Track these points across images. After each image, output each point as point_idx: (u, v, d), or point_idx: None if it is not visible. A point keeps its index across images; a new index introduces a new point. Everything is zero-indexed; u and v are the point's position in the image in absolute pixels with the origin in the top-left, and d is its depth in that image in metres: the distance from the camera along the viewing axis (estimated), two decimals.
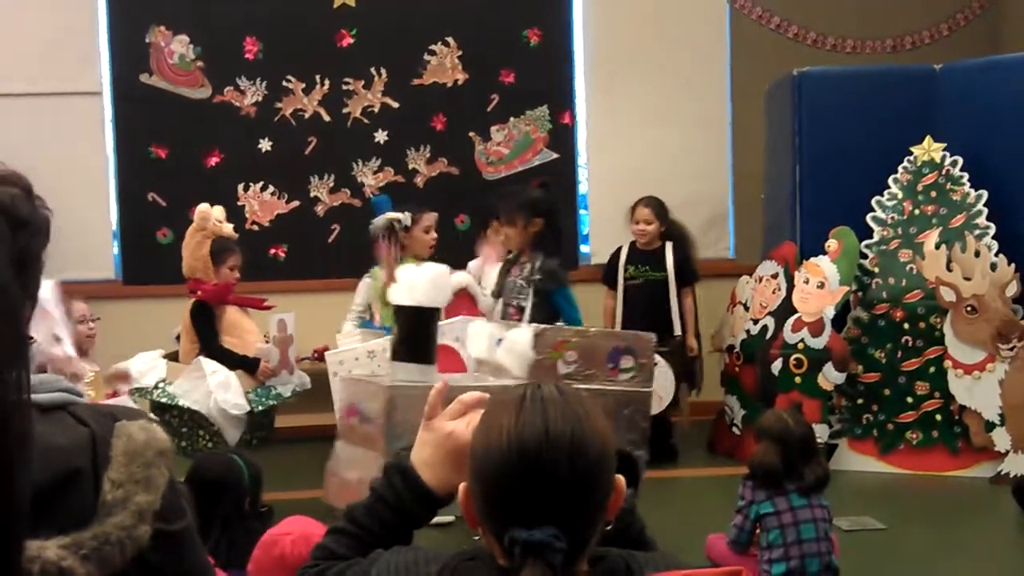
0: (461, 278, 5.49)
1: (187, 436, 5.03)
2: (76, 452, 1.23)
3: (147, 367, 5.11)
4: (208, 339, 5.15)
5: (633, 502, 1.63)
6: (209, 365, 5.02)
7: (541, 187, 5.39)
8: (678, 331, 6.45)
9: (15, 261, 1.17)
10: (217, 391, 4.93)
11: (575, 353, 4.54)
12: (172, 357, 5.25)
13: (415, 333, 3.90)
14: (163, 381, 5.06)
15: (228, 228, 5.34)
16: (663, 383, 6.11)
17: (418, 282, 3.89)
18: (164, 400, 4.97)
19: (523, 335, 4.48)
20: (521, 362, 4.28)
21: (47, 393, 1.30)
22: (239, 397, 4.99)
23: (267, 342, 5.29)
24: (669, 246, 6.51)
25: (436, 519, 1.61)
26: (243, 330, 5.27)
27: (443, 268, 4.03)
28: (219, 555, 3.49)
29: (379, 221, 5.68)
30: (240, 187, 7.32)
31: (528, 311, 5.10)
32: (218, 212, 5.37)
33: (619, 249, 6.67)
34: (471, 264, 6.50)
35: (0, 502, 0.87)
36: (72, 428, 1.25)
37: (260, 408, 5.12)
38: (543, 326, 4.64)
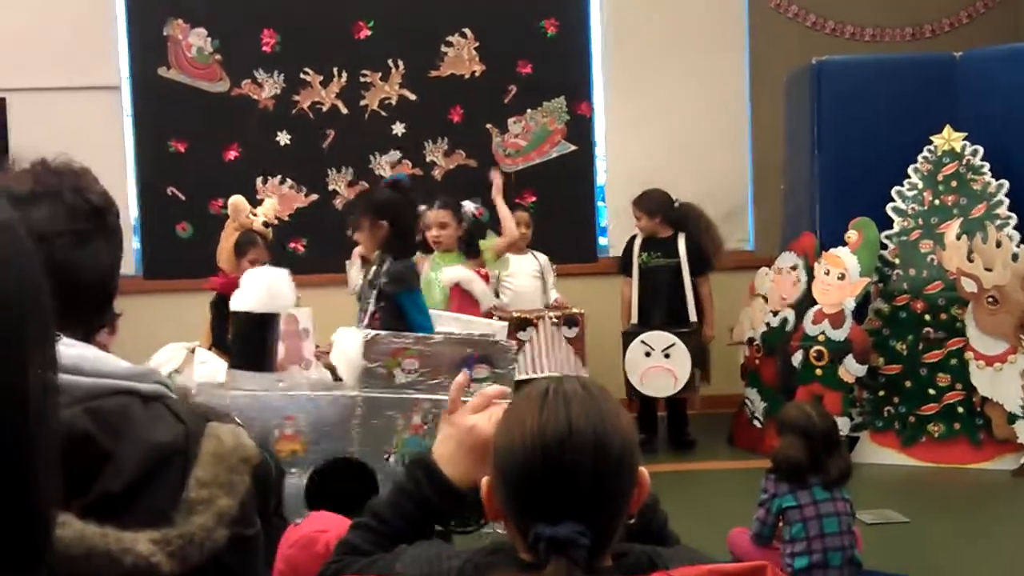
0: (455, 274, 5.46)
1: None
2: (171, 448, 1.26)
3: (166, 358, 5.12)
4: (218, 330, 5.15)
5: (656, 496, 1.63)
6: (201, 355, 5.01)
7: (392, 186, 5.13)
8: (693, 317, 6.50)
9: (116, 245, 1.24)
10: (199, 379, 4.91)
11: (416, 361, 4.34)
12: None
13: (249, 340, 3.83)
14: (176, 371, 5.07)
15: (259, 223, 5.35)
16: (680, 365, 6.28)
17: (253, 287, 3.80)
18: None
19: (353, 341, 4.38)
20: (350, 370, 4.19)
21: (149, 384, 1.33)
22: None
23: None
24: (681, 236, 6.54)
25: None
26: None
27: (282, 272, 3.94)
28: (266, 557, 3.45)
29: (469, 206, 5.72)
30: (259, 180, 7.33)
31: (367, 316, 4.90)
32: (267, 206, 5.37)
33: (634, 237, 6.74)
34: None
35: (17, 482, 0.89)
36: (170, 423, 1.30)
37: None
38: (376, 332, 4.45)
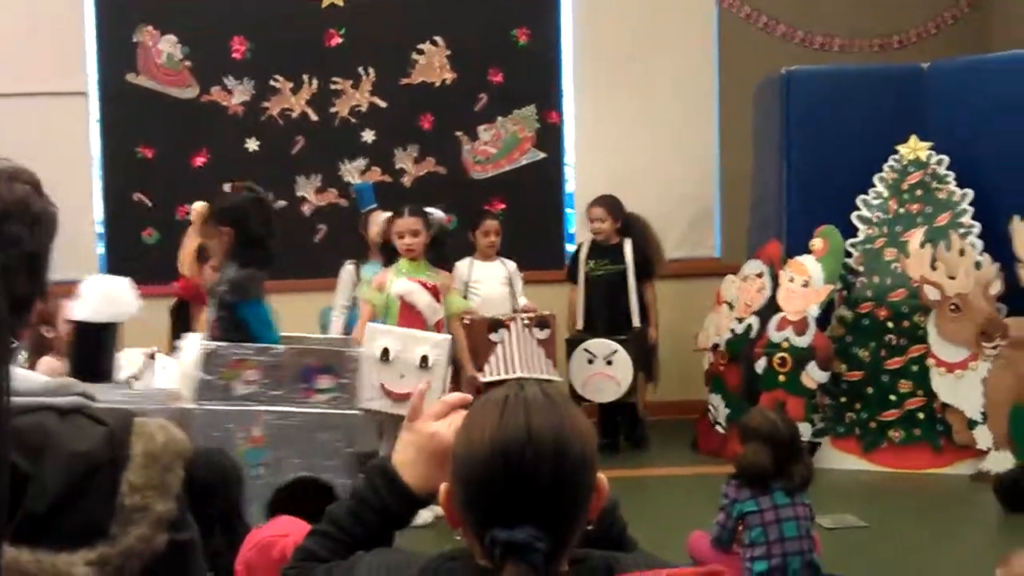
0: (398, 287, 5.43)
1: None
2: (94, 453, 1.23)
3: (124, 364, 5.09)
4: (173, 335, 5.12)
5: (616, 502, 1.64)
6: (161, 360, 4.99)
7: (242, 191, 4.99)
8: (637, 322, 6.68)
9: (28, 256, 1.18)
10: (160, 385, 4.89)
11: (257, 372, 4.31)
12: None
13: (86, 349, 3.73)
14: (132, 377, 5.04)
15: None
16: (622, 370, 6.43)
17: (90, 296, 3.71)
18: None
19: (190, 353, 4.34)
20: (186, 382, 4.12)
21: (65, 397, 1.30)
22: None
23: None
24: (628, 241, 6.70)
25: (416, 521, 1.61)
26: None
27: (122, 281, 3.85)
28: (224, 560, 3.40)
29: (438, 215, 5.69)
30: (227, 187, 7.29)
31: (208, 326, 4.80)
32: None
33: (580, 245, 6.93)
34: (458, 264, 6.53)
35: None
36: (90, 429, 1.25)
37: None
38: (215, 343, 4.37)
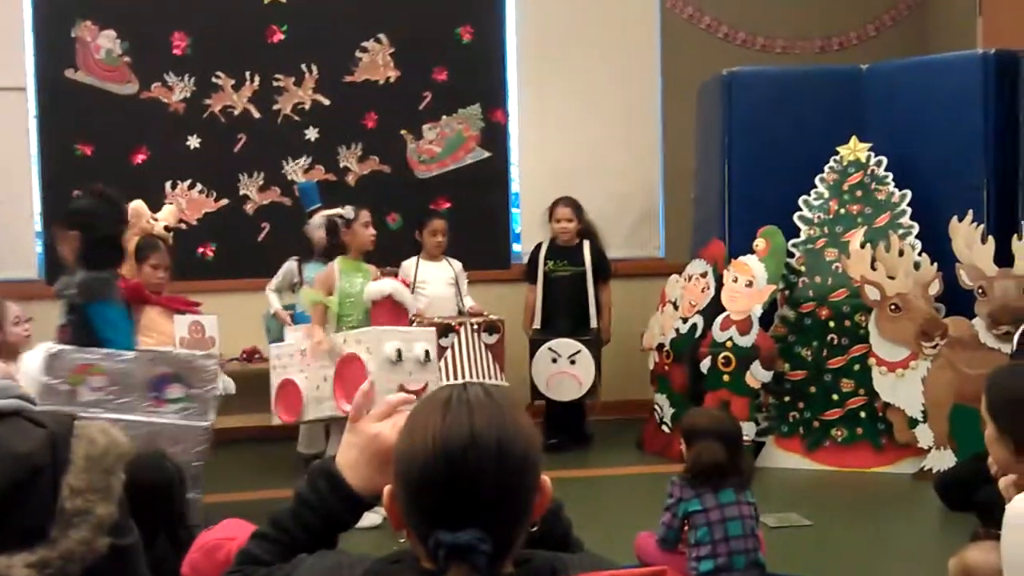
0: (385, 286, 5.42)
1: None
2: (35, 455, 1.20)
3: (34, 356, 4.98)
4: None
5: (560, 503, 1.64)
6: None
7: (89, 195, 4.92)
8: (594, 323, 6.80)
9: None
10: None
11: (104, 378, 4.24)
12: None
13: None
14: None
15: (159, 227, 5.26)
16: (585, 370, 6.54)
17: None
18: None
19: (34, 357, 4.29)
20: (31, 387, 4.04)
21: (4, 400, 1.27)
22: None
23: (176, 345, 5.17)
24: (586, 243, 6.81)
25: (364, 523, 1.59)
26: (159, 331, 5.14)
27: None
28: (169, 564, 3.34)
29: (318, 219, 5.61)
30: (168, 185, 7.22)
31: (57, 330, 4.77)
32: (165, 212, 5.29)
33: (539, 245, 6.94)
34: (404, 264, 6.51)
35: None
36: (29, 431, 1.23)
37: None
38: (60, 347, 4.33)
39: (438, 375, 5.30)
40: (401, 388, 5.03)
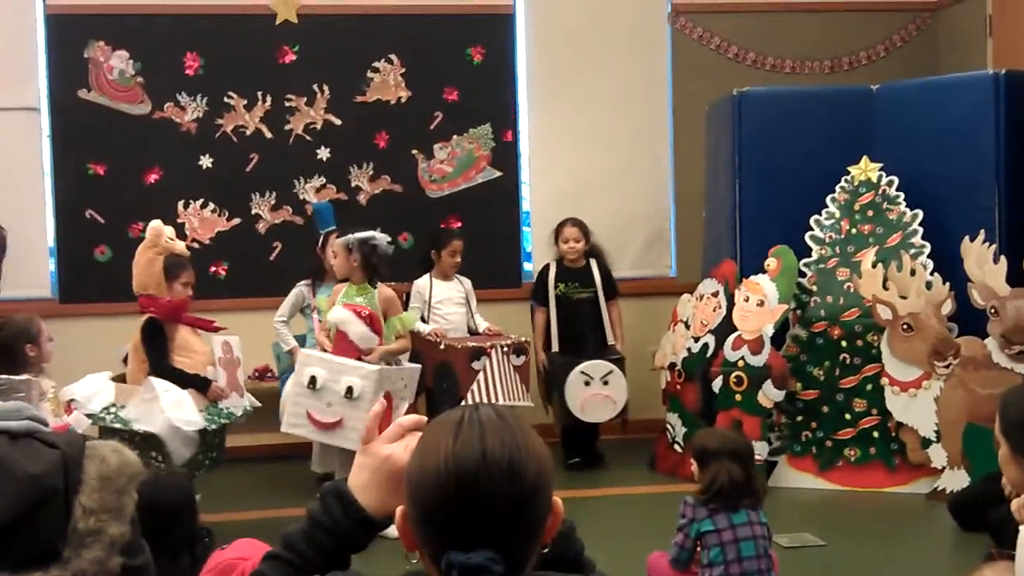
0: (332, 315, 5.37)
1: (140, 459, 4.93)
2: (48, 475, 1.20)
3: (93, 391, 5.01)
4: (158, 358, 5.05)
5: (572, 523, 1.64)
6: (161, 385, 4.95)
7: None
8: (611, 341, 6.80)
9: None
10: (170, 410, 4.85)
11: None
12: (120, 379, 5.17)
13: None
14: (113, 405, 4.96)
15: (180, 245, 5.29)
16: (618, 390, 6.51)
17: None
18: (117, 425, 4.83)
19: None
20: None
21: (17, 421, 1.27)
22: (193, 414, 4.91)
23: (215, 365, 5.22)
24: (594, 263, 6.83)
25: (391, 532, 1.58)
26: (191, 350, 5.18)
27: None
28: None
29: (345, 242, 5.50)
30: (180, 204, 7.25)
31: None
32: (168, 231, 5.32)
33: (546, 267, 6.90)
34: (417, 283, 6.51)
35: None
36: (42, 452, 1.23)
37: (213, 426, 5.05)
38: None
39: (366, 415, 5.04)
40: (308, 415, 5.06)
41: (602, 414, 6.54)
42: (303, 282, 6.27)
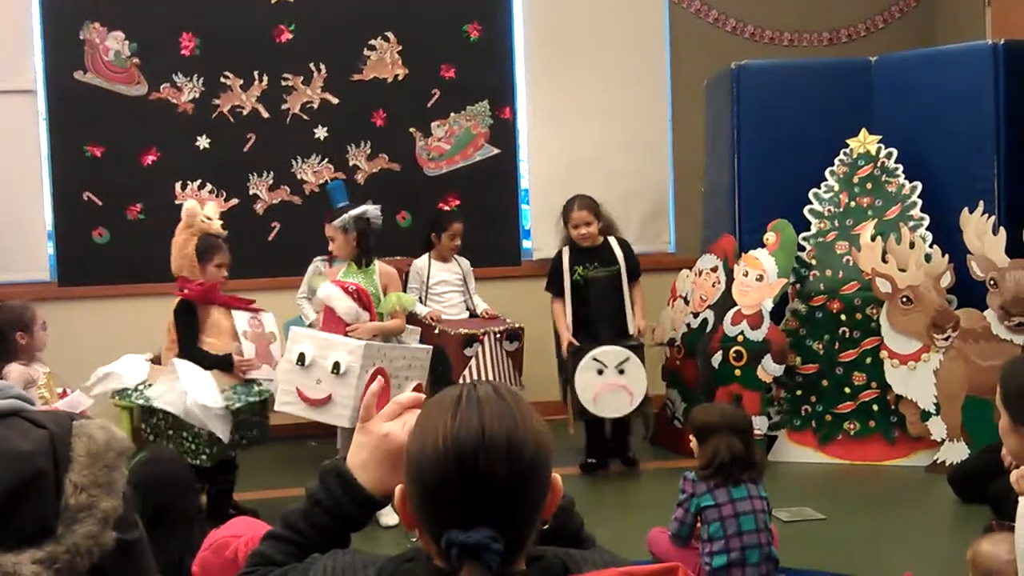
0: (321, 291, 5.35)
1: (172, 439, 4.99)
2: (36, 454, 1.21)
3: (130, 369, 5.06)
4: (187, 340, 5.07)
5: (571, 499, 1.64)
6: (182, 366, 4.97)
7: None
8: (631, 327, 6.16)
9: None
10: (190, 389, 4.87)
11: None
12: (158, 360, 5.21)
13: None
14: (143, 384, 5.00)
15: (216, 225, 5.26)
16: (635, 380, 5.92)
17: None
18: (140, 402, 4.97)
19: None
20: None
21: (3, 400, 1.27)
22: (212, 394, 4.92)
23: (242, 338, 5.22)
24: (613, 241, 6.23)
25: (390, 522, 1.58)
26: (222, 331, 5.19)
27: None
28: (188, 557, 3.33)
29: (340, 222, 5.44)
30: (178, 185, 7.23)
31: None
32: (210, 209, 5.31)
33: (559, 253, 6.25)
34: (416, 263, 6.49)
35: None
36: (29, 431, 1.24)
37: (239, 405, 5.04)
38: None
39: (353, 391, 4.95)
40: (298, 392, 5.06)
41: (617, 407, 5.93)
42: (319, 257, 6.25)
